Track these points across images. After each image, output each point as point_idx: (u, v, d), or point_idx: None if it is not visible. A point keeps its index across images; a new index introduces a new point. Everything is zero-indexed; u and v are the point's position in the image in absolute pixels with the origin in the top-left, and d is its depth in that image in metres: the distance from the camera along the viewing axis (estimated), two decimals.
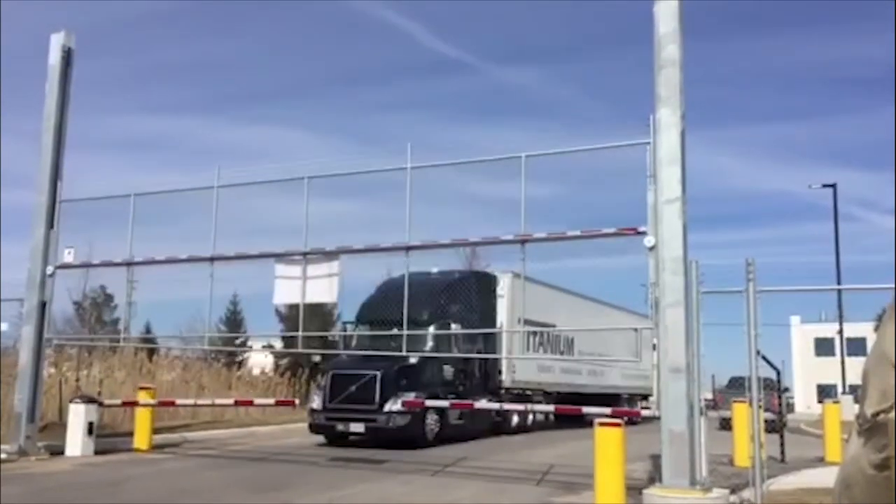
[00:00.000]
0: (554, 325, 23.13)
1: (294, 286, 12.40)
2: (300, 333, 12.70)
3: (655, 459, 10.30)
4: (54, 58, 14.48)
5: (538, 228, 10.85)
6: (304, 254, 12.44)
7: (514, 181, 10.81)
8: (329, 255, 12.34)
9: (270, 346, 43.00)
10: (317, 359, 24.82)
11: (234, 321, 46.19)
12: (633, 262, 9.97)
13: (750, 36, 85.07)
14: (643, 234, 9.76)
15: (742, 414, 12.58)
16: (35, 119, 14.66)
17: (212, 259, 13.12)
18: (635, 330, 11.35)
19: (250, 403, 19.82)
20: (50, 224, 14.34)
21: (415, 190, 11.65)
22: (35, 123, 14.64)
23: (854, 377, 30.81)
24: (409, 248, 11.68)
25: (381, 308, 17.37)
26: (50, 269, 14.25)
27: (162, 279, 14.01)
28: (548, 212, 10.81)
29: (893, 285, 8.90)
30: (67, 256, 14.29)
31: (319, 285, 12.26)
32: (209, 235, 13.15)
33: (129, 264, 13.75)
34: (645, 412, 17.95)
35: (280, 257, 12.65)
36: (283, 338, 41.12)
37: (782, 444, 13.89)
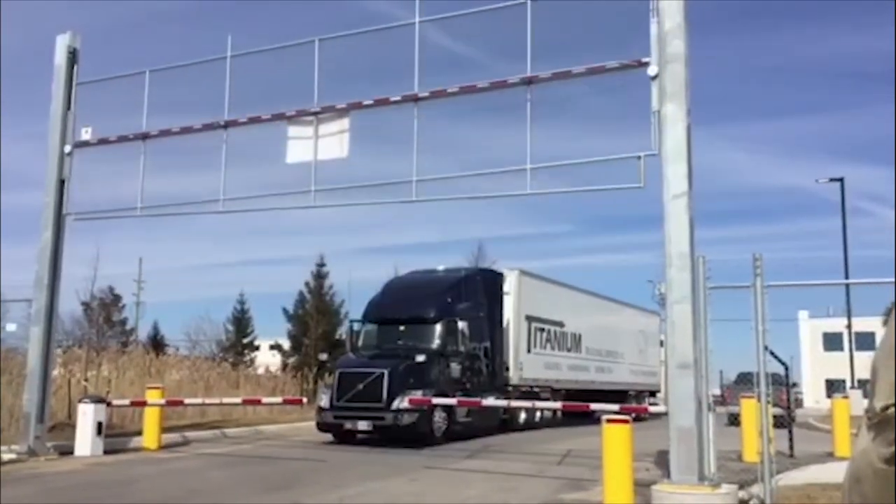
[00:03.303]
0: (562, 323, 23.15)
1: (306, 145, 12.46)
2: None
3: (664, 456, 10.29)
4: (60, 58, 14.54)
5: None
6: (315, 113, 12.50)
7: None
8: (340, 112, 12.41)
9: (278, 346, 43.12)
10: (324, 357, 24.93)
11: (241, 320, 46.30)
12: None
13: (756, 31, 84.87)
14: (646, 64, 9.79)
15: (750, 409, 12.54)
16: (40, 120, 14.72)
17: (226, 125, 13.21)
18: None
19: (258, 402, 19.86)
20: (67, 105, 14.42)
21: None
22: (39, 125, 14.69)
23: (863, 372, 30.71)
24: (417, 99, 11.71)
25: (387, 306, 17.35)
26: (68, 148, 14.29)
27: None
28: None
29: (894, 280, 8.87)
30: (85, 135, 14.28)
31: (330, 142, 12.32)
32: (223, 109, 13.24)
33: (144, 137, 13.83)
34: (653, 408, 17.91)
35: (292, 119, 12.72)
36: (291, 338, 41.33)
37: (791, 440, 13.86)
